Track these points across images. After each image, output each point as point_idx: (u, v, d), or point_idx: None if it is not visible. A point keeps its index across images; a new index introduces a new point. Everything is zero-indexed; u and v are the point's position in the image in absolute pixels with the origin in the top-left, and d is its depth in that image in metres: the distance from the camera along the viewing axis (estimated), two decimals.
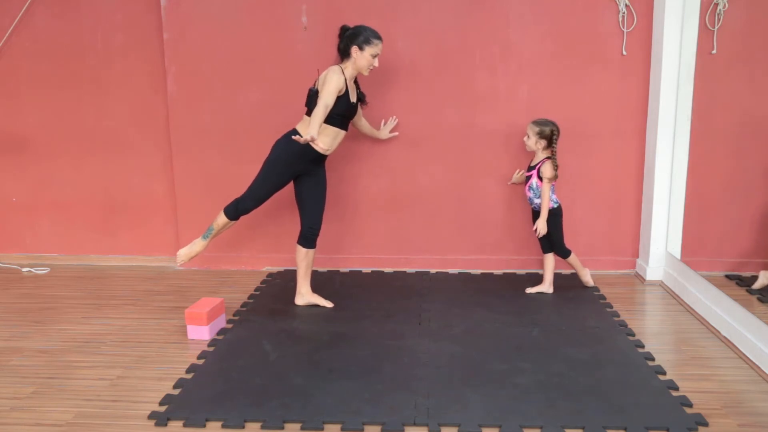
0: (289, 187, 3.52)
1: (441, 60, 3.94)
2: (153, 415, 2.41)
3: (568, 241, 3.71)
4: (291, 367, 2.80)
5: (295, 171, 3.39)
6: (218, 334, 3.18)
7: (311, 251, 3.48)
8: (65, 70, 4.19)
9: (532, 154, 3.69)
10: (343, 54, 3.34)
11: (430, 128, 4.01)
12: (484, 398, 2.51)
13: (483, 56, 3.92)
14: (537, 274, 4.00)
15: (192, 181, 4.17)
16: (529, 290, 3.73)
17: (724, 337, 3.06)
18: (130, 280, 4.07)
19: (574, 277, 3.87)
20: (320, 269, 4.16)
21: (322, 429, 2.32)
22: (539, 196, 3.59)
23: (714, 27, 3.67)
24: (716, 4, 3.64)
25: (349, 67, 3.33)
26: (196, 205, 4.14)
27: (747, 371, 2.76)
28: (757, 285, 3.51)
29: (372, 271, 4.19)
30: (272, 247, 4.22)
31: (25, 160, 4.34)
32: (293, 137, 3.09)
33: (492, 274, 4.11)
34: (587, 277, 3.79)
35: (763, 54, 3.72)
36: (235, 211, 3.41)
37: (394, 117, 3.97)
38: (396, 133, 3.99)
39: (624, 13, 3.81)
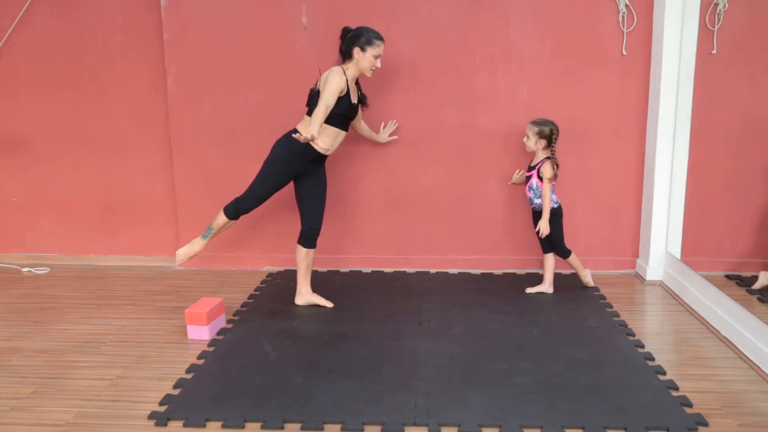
0: (290, 187, 3.52)
1: (441, 60, 3.94)
2: (153, 415, 2.41)
3: (568, 241, 3.71)
4: (291, 367, 2.80)
5: (296, 171, 3.39)
6: (218, 334, 3.18)
7: (312, 251, 3.49)
8: (65, 70, 4.19)
9: (532, 154, 3.69)
10: (345, 55, 3.34)
11: (430, 128, 4.01)
12: (484, 398, 2.51)
13: (483, 56, 3.92)
14: (537, 274, 4.00)
15: (192, 181, 4.17)
16: (529, 290, 3.73)
17: (724, 337, 3.06)
18: (130, 280, 4.07)
19: (574, 277, 3.87)
20: (320, 269, 4.16)
21: (322, 429, 2.32)
22: (539, 197, 3.59)
23: (714, 27, 3.67)
24: (716, 4, 3.64)
25: (351, 68, 3.34)
26: (196, 205, 4.14)
27: (747, 371, 2.76)
28: (757, 285, 3.51)
29: (372, 271, 4.19)
30: (272, 247, 4.22)
31: (25, 160, 4.34)
32: (294, 135, 3.09)
33: (492, 274, 4.11)
34: (588, 277, 3.79)
35: (763, 54, 3.72)
36: (235, 210, 3.41)
37: (394, 121, 3.97)
38: (395, 137, 4.00)
39: (624, 13, 3.81)
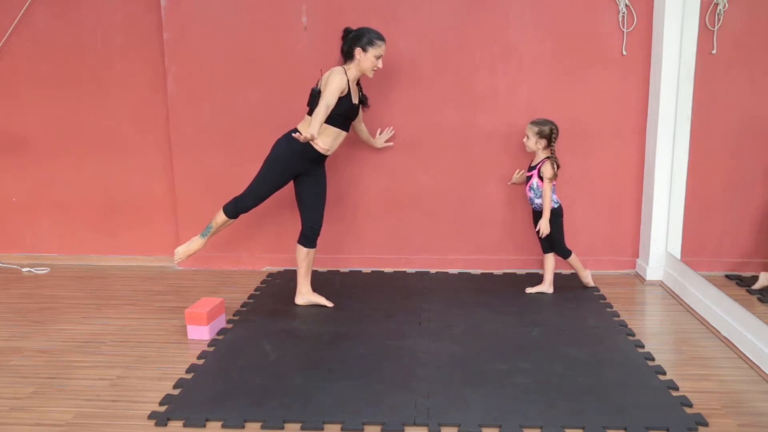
0: (290, 187, 3.52)
1: (441, 60, 3.94)
2: (153, 415, 2.41)
3: (568, 241, 3.71)
4: (291, 367, 2.80)
5: (296, 170, 3.39)
6: (218, 334, 3.18)
7: (312, 251, 3.49)
8: (65, 70, 4.19)
9: (532, 154, 3.69)
10: (347, 56, 3.35)
11: (430, 128, 4.01)
12: (484, 398, 2.51)
13: (483, 56, 3.92)
14: (537, 274, 4.00)
15: (192, 181, 4.17)
16: (529, 290, 3.73)
17: (724, 337, 3.06)
18: (130, 280, 4.07)
19: (574, 277, 3.87)
20: (320, 269, 4.16)
21: (322, 429, 2.32)
22: (540, 196, 3.59)
23: (714, 27, 3.67)
24: (716, 4, 3.64)
25: (353, 69, 3.34)
26: (196, 205, 4.14)
27: (747, 371, 2.76)
28: (757, 285, 3.51)
29: (372, 271, 4.19)
30: (272, 247, 4.22)
31: (25, 160, 4.34)
32: (294, 135, 3.09)
33: (492, 274, 4.11)
34: (588, 278, 3.79)
35: (763, 54, 3.72)
36: (235, 209, 3.41)
37: (391, 128, 3.98)
38: (391, 143, 4.00)
39: (624, 13, 3.81)
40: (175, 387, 2.63)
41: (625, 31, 3.83)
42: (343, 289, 3.82)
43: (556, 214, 3.62)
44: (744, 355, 2.87)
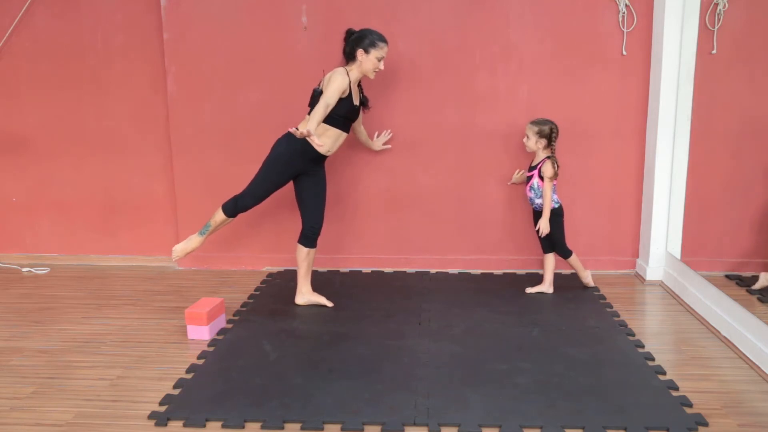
0: (290, 187, 3.52)
1: (441, 60, 3.94)
2: (153, 415, 2.41)
3: (569, 241, 3.71)
4: (291, 367, 2.80)
5: (296, 170, 3.39)
6: (218, 334, 3.18)
7: (312, 250, 3.49)
8: (65, 70, 4.19)
9: (532, 154, 3.69)
10: (349, 57, 3.35)
11: (430, 128, 4.01)
12: (484, 398, 2.51)
13: (483, 56, 3.92)
14: (537, 274, 4.00)
15: (192, 181, 4.17)
16: (529, 290, 3.73)
17: (724, 337, 3.06)
18: (130, 280, 4.07)
19: (574, 277, 3.87)
20: (320, 269, 4.16)
21: (322, 429, 2.32)
22: (540, 197, 3.59)
23: (714, 27, 3.67)
24: (716, 4, 3.64)
25: (355, 70, 3.34)
26: (196, 205, 4.14)
27: (747, 371, 2.76)
28: (757, 286, 3.51)
29: (372, 271, 4.19)
30: (272, 247, 4.22)
31: (25, 160, 4.34)
32: (290, 130, 3.07)
33: (492, 274, 4.11)
34: (588, 278, 3.79)
35: (763, 54, 3.72)
36: (234, 208, 3.41)
37: (389, 131, 3.98)
38: (389, 146, 4.00)
39: (624, 13, 3.81)
40: (175, 387, 2.64)
41: (625, 31, 3.83)
42: (343, 289, 3.82)
43: (557, 214, 3.62)
44: (744, 355, 2.87)
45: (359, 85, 3.47)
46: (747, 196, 3.83)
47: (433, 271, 4.17)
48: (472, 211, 4.11)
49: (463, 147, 4.03)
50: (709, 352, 2.96)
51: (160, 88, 4.14)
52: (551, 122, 3.57)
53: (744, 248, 3.86)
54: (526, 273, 4.10)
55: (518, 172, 3.89)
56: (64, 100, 4.23)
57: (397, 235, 4.17)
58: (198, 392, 2.59)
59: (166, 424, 2.36)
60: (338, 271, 4.20)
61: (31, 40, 4.18)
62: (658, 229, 3.87)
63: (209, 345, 3.05)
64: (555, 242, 3.67)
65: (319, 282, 3.80)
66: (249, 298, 3.69)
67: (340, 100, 3.25)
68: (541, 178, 3.56)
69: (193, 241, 3.47)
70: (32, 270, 4.28)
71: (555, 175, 3.54)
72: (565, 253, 3.69)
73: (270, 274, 4.13)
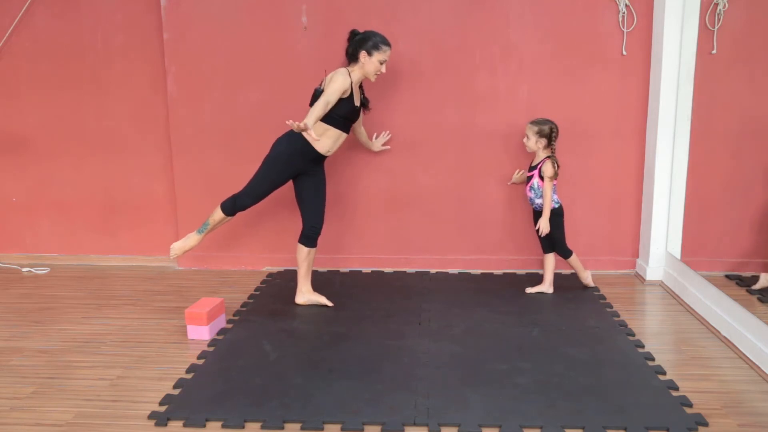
0: (290, 187, 3.52)
1: (441, 60, 3.94)
2: (153, 415, 2.41)
3: (569, 241, 3.71)
4: (291, 367, 2.80)
5: (295, 170, 3.39)
6: (218, 334, 3.18)
7: (312, 250, 3.49)
8: (65, 70, 4.19)
9: (532, 154, 3.69)
10: (351, 58, 3.35)
11: (430, 128, 4.01)
12: (484, 398, 2.51)
13: (483, 56, 3.92)
14: (537, 274, 4.00)
15: (192, 181, 4.17)
16: (529, 290, 3.73)
17: (724, 337, 3.06)
18: (130, 280, 4.07)
19: (574, 277, 3.87)
20: (320, 269, 4.16)
21: (322, 429, 2.32)
22: (540, 197, 3.59)
23: (714, 27, 3.66)
24: (716, 4, 3.64)
25: (357, 71, 3.34)
26: (196, 205, 4.14)
27: (747, 371, 2.76)
28: (757, 286, 3.51)
29: (372, 271, 4.19)
30: (272, 247, 4.22)
31: (25, 160, 4.34)
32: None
33: (492, 274, 4.11)
34: (588, 278, 3.79)
35: (763, 54, 3.72)
36: (233, 207, 3.41)
37: (387, 132, 3.98)
38: (388, 147, 4.00)
39: (624, 13, 3.81)
40: (175, 387, 2.63)
41: (625, 31, 3.83)
42: (343, 289, 3.82)
43: (557, 214, 3.62)
44: (744, 355, 2.87)
45: (360, 87, 3.47)
46: (747, 196, 3.83)
47: (433, 271, 4.17)
48: (472, 211, 4.11)
49: (463, 147, 4.03)
50: (709, 352, 2.96)
51: (160, 88, 4.14)
52: (551, 122, 3.58)
53: (744, 248, 3.86)
54: (526, 273, 4.10)
55: (518, 172, 3.89)
56: (64, 100, 4.23)
57: (397, 235, 4.17)
58: (198, 392, 2.59)
59: (166, 424, 2.36)
60: (338, 271, 4.20)
61: (31, 40, 4.18)
62: (658, 229, 3.87)
63: (209, 345, 3.05)
64: (555, 242, 3.67)
65: (319, 282, 3.80)
66: (249, 298, 3.69)
67: (341, 101, 3.25)
68: (541, 178, 3.56)
69: (191, 239, 3.46)
70: (32, 270, 4.28)
71: (555, 175, 3.55)
72: (565, 253, 3.69)
73: (270, 274, 4.13)
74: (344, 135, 3.41)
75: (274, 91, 4.01)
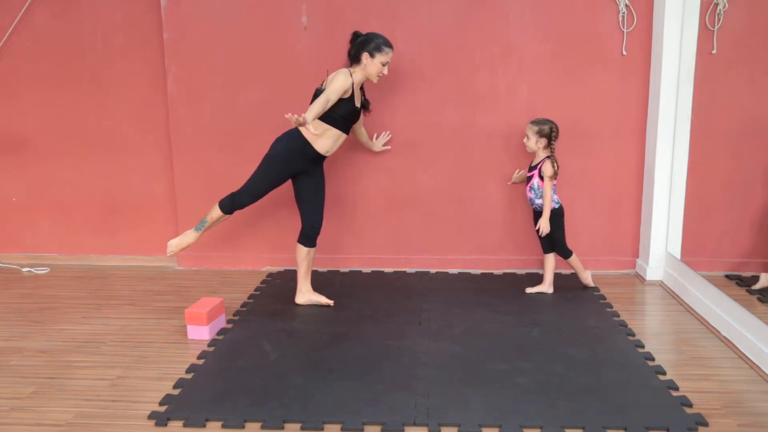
0: (289, 187, 3.52)
1: (441, 60, 3.94)
2: (153, 415, 2.41)
3: (569, 241, 3.71)
4: (291, 367, 2.80)
5: (295, 169, 3.39)
6: (218, 334, 3.18)
7: (312, 250, 3.49)
8: (65, 70, 4.19)
9: (532, 154, 3.69)
10: (353, 59, 3.36)
11: (430, 128, 4.01)
12: (484, 398, 2.51)
13: (483, 56, 3.92)
14: (537, 274, 4.00)
15: (192, 181, 4.17)
16: (529, 290, 3.73)
17: (724, 337, 3.06)
18: (130, 280, 4.07)
19: (574, 277, 3.87)
20: (320, 269, 4.16)
21: (322, 429, 2.32)
22: (540, 197, 3.59)
23: (714, 27, 3.67)
24: (716, 4, 3.64)
25: (358, 72, 3.35)
26: (196, 205, 4.14)
27: (747, 371, 2.76)
28: (757, 286, 3.51)
29: (372, 271, 4.19)
30: (272, 247, 4.22)
31: (25, 160, 4.34)
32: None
33: (492, 274, 4.11)
34: (588, 278, 3.79)
35: (763, 54, 3.72)
36: (231, 205, 3.41)
37: (388, 132, 3.98)
38: (388, 147, 4.00)
39: (624, 13, 3.81)
40: (175, 387, 2.63)
41: (625, 31, 3.83)
42: (343, 289, 3.82)
43: (557, 214, 3.62)
44: (744, 355, 2.87)
45: (361, 88, 3.47)
46: (747, 196, 3.83)
47: (433, 271, 4.17)
48: (472, 211, 4.11)
49: (463, 147, 4.03)
50: (709, 352, 2.96)
51: (160, 88, 4.14)
52: (551, 122, 3.58)
53: (744, 248, 3.86)
54: (526, 273, 4.10)
55: (518, 172, 3.89)
56: (64, 100, 4.23)
57: (397, 235, 4.17)
58: (198, 392, 2.59)
59: (166, 424, 2.36)
60: (338, 271, 4.20)
61: (31, 40, 4.18)
62: (658, 229, 3.87)
63: (209, 345, 3.05)
64: (555, 242, 3.67)
65: (319, 282, 3.80)
66: (249, 298, 3.69)
67: (342, 101, 3.25)
68: (541, 178, 3.56)
69: (188, 236, 3.46)
70: (32, 270, 4.28)
71: (555, 175, 3.55)
72: (565, 253, 3.69)
73: (270, 274, 4.13)
74: (344, 136, 3.41)
75: (274, 91, 4.01)
